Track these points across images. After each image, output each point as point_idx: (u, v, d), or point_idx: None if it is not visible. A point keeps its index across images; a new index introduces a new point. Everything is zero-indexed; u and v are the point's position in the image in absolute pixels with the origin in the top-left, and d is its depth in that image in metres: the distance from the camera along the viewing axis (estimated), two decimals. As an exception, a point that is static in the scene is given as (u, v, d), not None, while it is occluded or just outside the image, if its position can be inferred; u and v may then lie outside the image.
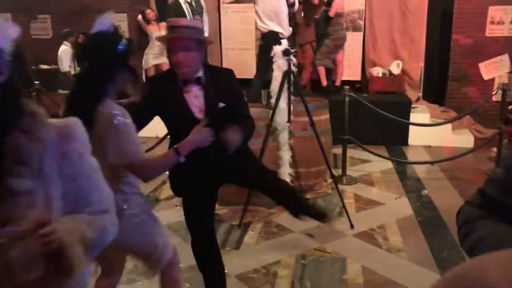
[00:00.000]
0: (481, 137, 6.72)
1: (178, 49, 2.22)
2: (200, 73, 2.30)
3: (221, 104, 2.29)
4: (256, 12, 5.79)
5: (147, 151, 5.86)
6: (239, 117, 2.35)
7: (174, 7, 7.30)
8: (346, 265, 3.25)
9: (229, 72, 2.46)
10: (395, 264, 3.27)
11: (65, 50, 7.71)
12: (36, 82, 5.82)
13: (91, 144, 1.25)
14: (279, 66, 3.99)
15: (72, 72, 7.63)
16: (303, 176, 4.55)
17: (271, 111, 3.97)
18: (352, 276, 3.11)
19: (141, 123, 2.25)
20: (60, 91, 6.39)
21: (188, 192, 2.48)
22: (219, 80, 2.35)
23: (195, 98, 2.29)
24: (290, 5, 5.87)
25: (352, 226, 3.86)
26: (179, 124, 2.30)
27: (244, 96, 2.49)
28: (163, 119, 2.41)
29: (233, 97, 2.36)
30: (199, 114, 2.28)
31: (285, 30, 5.77)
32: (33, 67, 6.99)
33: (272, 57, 4.32)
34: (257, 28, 6.20)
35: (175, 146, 2.04)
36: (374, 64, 7.58)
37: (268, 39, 5.55)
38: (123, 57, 1.91)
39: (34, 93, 5.86)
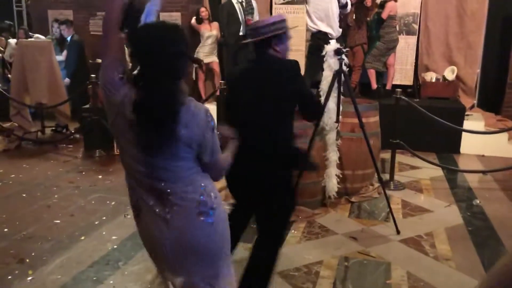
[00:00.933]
0: (540, 149, 6.38)
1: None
2: None
3: None
4: (307, 12, 5.78)
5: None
6: None
7: (227, 7, 7.42)
8: (391, 270, 3.17)
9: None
10: (442, 273, 3.16)
11: None
12: (92, 75, 6.05)
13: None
14: (330, 65, 3.94)
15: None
16: (349, 178, 4.48)
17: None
18: (397, 281, 3.02)
19: None
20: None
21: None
22: None
23: None
24: (342, 7, 5.82)
25: (398, 231, 3.76)
26: None
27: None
28: None
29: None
30: None
31: (334, 31, 5.73)
32: (90, 61, 7.23)
33: (321, 58, 4.30)
34: (307, 29, 6.18)
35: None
36: (428, 69, 7.36)
37: (317, 39, 5.54)
38: (187, 47, 1.76)
39: (90, 86, 6.11)
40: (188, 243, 1.77)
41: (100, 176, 5.23)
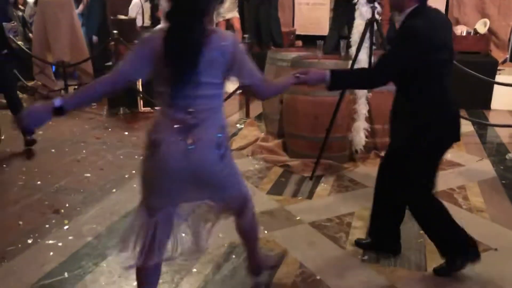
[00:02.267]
0: None
1: None
2: None
3: None
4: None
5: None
6: None
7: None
8: (424, 222, 3.13)
9: None
10: (476, 224, 3.11)
11: (134, 3, 7.79)
12: (114, 32, 5.97)
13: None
14: (362, 14, 3.79)
15: (140, 24, 7.73)
16: (379, 133, 4.39)
17: (350, 62, 3.82)
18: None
19: None
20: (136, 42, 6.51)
21: None
22: None
23: None
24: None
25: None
26: None
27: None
28: None
29: None
30: None
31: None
32: (111, 17, 7.13)
33: (348, 9, 4.14)
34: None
35: (295, 73, 2.21)
36: (458, 22, 7.08)
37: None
38: None
39: (112, 43, 6.04)
40: (205, 174, 1.87)
41: (126, 133, 5.25)
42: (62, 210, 3.32)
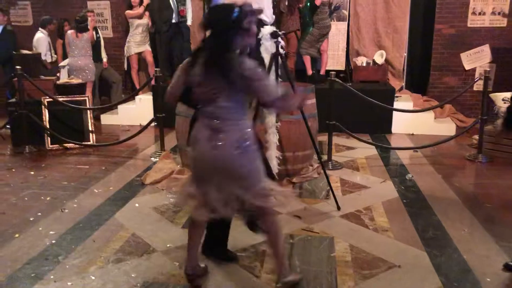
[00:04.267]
0: (462, 125, 6.85)
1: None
2: None
3: None
4: (242, -2, 5.78)
5: (130, 138, 5.82)
6: None
7: (159, -4, 7.25)
8: (334, 244, 3.27)
9: None
10: (382, 243, 3.31)
11: (40, 38, 7.46)
12: (18, 67, 5.68)
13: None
14: (267, 48, 3.97)
15: (49, 60, 7.45)
16: (290, 160, 4.56)
17: (259, 94, 3.96)
18: (341, 254, 3.13)
19: None
20: (42, 77, 6.24)
21: None
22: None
23: None
24: (276, -7, 5.89)
25: (338, 208, 3.89)
26: None
27: None
28: None
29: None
30: None
31: (268, 17, 5.76)
32: (13, 52, 6.78)
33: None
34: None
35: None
36: (358, 54, 7.64)
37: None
38: (238, 22, 2.32)
39: (15, 78, 5.73)
40: (228, 168, 2.41)
41: (32, 172, 4.95)
42: (-44, 262, 3.03)
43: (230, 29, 2.33)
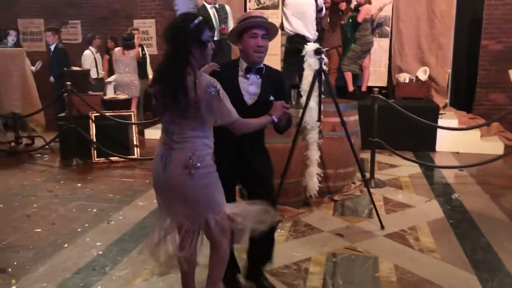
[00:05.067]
0: (511, 144, 6.61)
1: (259, 35, 2.51)
2: (261, 65, 2.59)
3: (271, 98, 2.56)
4: (285, 15, 5.85)
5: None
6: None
7: (201, 13, 7.42)
8: (378, 264, 3.21)
9: (281, 73, 2.84)
10: (428, 264, 3.22)
11: (86, 55, 7.84)
12: (68, 83, 5.93)
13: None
14: (310, 65, 3.99)
15: (94, 76, 7.75)
16: (332, 177, 4.53)
17: (301, 110, 3.97)
18: (385, 274, 3.07)
19: None
20: (91, 92, 6.50)
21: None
22: (273, 77, 2.65)
23: (251, 86, 2.57)
24: (318, 10, 5.93)
25: (382, 227, 3.82)
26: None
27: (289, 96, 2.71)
28: None
29: (282, 94, 2.66)
30: (249, 100, 2.54)
31: (311, 34, 5.82)
32: (65, 68, 7.11)
33: (297, 60, 4.33)
34: (282, 34, 6.23)
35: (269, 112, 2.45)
36: (401, 70, 7.54)
37: (294, 42, 5.62)
38: (195, 33, 2.13)
39: (65, 94, 5.99)
40: (175, 189, 2.22)
41: (79, 184, 5.13)
42: (10, 269, 3.16)
43: (186, 39, 2.12)
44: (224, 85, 2.26)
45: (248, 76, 2.56)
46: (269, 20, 2.65)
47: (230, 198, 2.63)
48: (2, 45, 7.38)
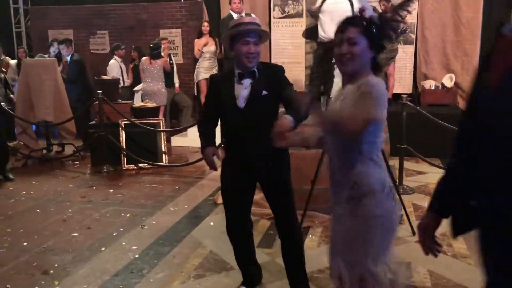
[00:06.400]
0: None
1: (251, 41, 2.51)
2: (255, 68, 2.60)
3: (264, 92, 2.56)
4: (320, 22, 5.88)
5: (200, 159, 6.03)
6: (289, 105, 2.58)
7: (227, 21, 7.54)
8: (412, 269, 3.22)
9: (280, 67, 2.74)
10: (462, 270, 3.21)
11: (111, 64, 8.01)
12: (98, 91, 6.10)
13: None
14: (339, 73, 4.03)
15: (120, 85, 7.91)
16: (361, 183, 4.54)
17: (331, 117, 4.01)
18: (420, 279, 3.08)
19: (215, 118, 2.74)
20: (120, 101, 6.66)
21: (230, 173, 2.77)
22: (270, 74, 2.64)
23: (244, 90, 2.59)
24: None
25: (414, 233, 3.81)
26: (224, 113, 2.64)
27: (293, 87, 2.72)
28: (217, 111, 2.70)
29: (280, 84, 2.61)
30: (242, 104, 2.58)
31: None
32: (95, 77, 7.30)
33: (326, 68, 4.39)
34: (306, 42, 6.27)
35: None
36: (426, 77, 7.52)
37: (328, 49, 5.66)
38: None
39: (96, 102, 6.15)
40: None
41: (111, 190, 5.25)
42: (51, 271, 3.27)
43: None
44: (224, 95, 2.39)
45: (242, 82, 2.60)
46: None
47: (247, 202, 2.82)
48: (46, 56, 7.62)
